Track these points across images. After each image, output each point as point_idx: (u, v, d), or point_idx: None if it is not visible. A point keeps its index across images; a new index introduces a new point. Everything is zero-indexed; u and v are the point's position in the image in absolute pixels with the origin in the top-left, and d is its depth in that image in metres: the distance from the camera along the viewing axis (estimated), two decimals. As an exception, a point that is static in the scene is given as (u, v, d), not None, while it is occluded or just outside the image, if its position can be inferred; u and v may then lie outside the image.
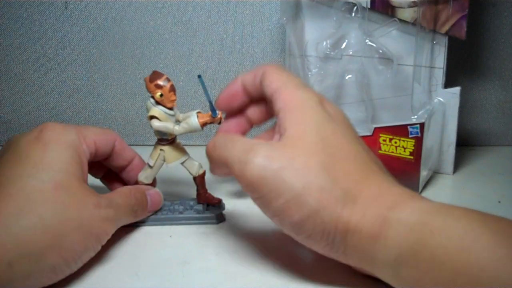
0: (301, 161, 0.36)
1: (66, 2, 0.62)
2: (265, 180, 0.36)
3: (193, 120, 0.43)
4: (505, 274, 0.29)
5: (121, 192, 0.43)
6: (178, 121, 0.45)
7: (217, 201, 0.48)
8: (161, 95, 0.43)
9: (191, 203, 0.48)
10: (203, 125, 0.44)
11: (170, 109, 0.44)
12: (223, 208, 0.48)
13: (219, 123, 0.45)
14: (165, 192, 0.48)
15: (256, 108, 0.45)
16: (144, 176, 0.47)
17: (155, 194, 0.46)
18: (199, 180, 0.47)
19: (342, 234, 0.36)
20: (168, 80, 0.43)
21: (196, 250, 0.43)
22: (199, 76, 0.42)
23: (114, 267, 0.41)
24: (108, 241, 0.44)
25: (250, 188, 0.37)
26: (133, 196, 0.44)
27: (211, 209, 0.48)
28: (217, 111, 0.44)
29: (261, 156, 0.36)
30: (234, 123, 0.46)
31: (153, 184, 0.48)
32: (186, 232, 0.46)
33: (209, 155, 0.41)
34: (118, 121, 0.66)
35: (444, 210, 0.34)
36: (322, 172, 0.36)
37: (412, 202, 0.35)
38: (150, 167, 0.46)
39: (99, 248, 0.40)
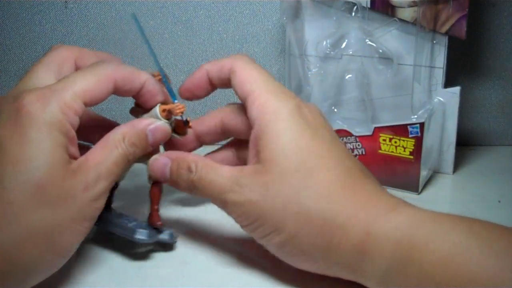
0: (275, 189, 0.36)
1: (66, 2, 0.62)
2: (245, 214, 0.37)
3: (154, 109, 0.41)
4: (493, 285, 0.29)
5: (111, 146, 0.38)
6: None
7: (159, 224, 0.41)
8: None
9: (141, 223, 0.42)
10: (164, 111, 0.41)
11: None
12: (166, 240, 0.42)
13: (186, 123, 0.42)
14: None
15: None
16: None
17: (156, 129, 0.40)
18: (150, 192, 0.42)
19: (322, 253, 0.36)
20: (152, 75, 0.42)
21: (196, 250, 0.43)
22: (134, 17, 0.40)
23: (113, 267, 0.41)
24: (108, 240, 0.44)
25: (237, 222, 0.38)
26: (126, 144, 0.38)
27: (154, 233, 0.41)
28: (176, 98, 0.41)
29: (237, 194, 0.37)
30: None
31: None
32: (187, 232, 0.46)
33: (193, 189, 0.39)
34: (118, 120, 0.66)
35: (430, 221, 0.34)
36: (297, 195, 0.35)
37: (396, 214, 0.35)
38: None
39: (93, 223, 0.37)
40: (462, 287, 0.30)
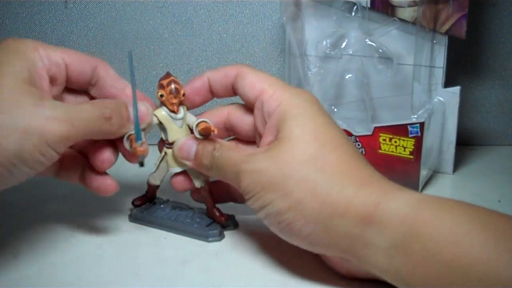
0: (287, 157, 0.37)
1: (66, 2, 0.62)
2: (256, 181, 0.38)
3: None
4: (492, 270, 0.30)
5: (90, 102, 0.41)
6: (188, 126, 0.43)
7: (223, 219, 0.45)
8: (162, 96, 0.42)
9: (200, 214, 0.46)
10: (131, 142, 0.41)
11: (173, 111, 0.42)
12: (233, 226, 0.46)
13: (142, 162, 0.42)
14: (185, 197, 0.47)
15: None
16: (151, 176, 0.46)
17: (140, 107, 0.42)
18: (203, 193, 0.45)
19: (325, 221, 0.36)
20: (173, 82, 0.42)
21: (196, 250, 0.43)
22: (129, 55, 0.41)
23: (113, 267, 0.41)
24: (108, 240, 0.44)
25: (246, 193, 0.39)
26: (106, 105, 0.40)
27: (213, 225, 0.45)
28: (142, 136, 0.41)
29: (250, 164, 0.38)
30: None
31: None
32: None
33: (210, 172, 0.42)
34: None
35: (435, 202, 0.35)
36: (307, 163, 0.37)
37: (403, 192, 0.36)
38: (156, 168, 0.45)
39: (53, 156, 0.36)
40: (462, 269, 0.30)
